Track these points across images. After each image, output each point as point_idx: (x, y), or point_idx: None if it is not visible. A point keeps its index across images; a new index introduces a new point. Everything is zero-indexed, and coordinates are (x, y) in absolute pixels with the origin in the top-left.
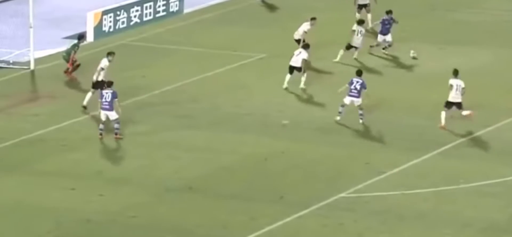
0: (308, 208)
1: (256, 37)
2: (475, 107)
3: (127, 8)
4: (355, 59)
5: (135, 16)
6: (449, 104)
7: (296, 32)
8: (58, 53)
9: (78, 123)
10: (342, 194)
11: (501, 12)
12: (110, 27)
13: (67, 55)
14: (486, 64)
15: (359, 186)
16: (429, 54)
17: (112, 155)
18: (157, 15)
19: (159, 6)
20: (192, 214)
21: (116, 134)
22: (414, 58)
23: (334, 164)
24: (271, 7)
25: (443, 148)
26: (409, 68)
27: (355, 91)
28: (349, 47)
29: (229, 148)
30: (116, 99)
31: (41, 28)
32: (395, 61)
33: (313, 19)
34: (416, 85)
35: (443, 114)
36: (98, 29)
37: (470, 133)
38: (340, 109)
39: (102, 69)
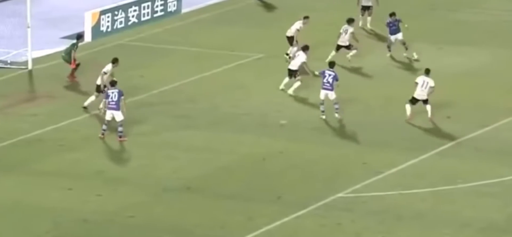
0: (306, 208)
1: (254, 37)
2: (473, 106)
3: (125, 8)
4: (349, 58)
5: (133, 16)
6: (414, 100)
7: (288, 30)
8: (56, 53)
9: (76, 123)
10: (340, 194)
11: (501, 12)
12: (108, 27)
13: (67, 55)
14: (485, 64)
15: (357, 186)
16: (428, 54)
17: (110, 155)
18: (155, 15)
19: (157, 6)
20: (190, 214)
21: (120, 136)
22: (416, 60)
23: (332, 164)
24: (269, 7)
25: (441, 148)
26: (408, 68)
27: (328, 84)
28: (338, 47)
29: (227, 148)
30: (122, 97)
31: (39, 28)
32: (394, 61)
33: (306, 17)
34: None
35: (407, 107)
36: (96, 29)
37: (468, 133)
38: (322, 107)
39: (105, 73)
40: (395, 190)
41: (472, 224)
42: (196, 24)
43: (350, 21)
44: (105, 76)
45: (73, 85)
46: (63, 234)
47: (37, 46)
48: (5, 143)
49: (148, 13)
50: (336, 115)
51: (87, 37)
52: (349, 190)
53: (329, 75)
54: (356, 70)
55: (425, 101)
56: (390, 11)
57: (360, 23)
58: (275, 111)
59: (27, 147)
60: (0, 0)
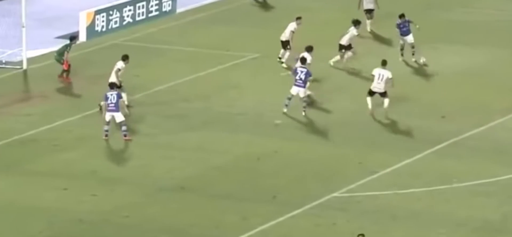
0: (300, 207)
1: (249, 36)
2: (468, 106)
3: (119, 7)
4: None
5: (127, 16)
6: (371, 92)
7: (282, 34)
8: (51, 52)
9: (70, 123)
10: (335, 194)
11: (495, 12)
12: (102, 26)
13: (59, 56)
14: (480, 63)
15: (352, 186)
16: (423, 53)
17: (105, 155)
18: (150, 15)
19: (151, 6)
20: (185, 214)
21: (125, 136)
22: (425, 64)
23: (327, 164)
24: (264, 7)
25: (436, 148)
26: (403, 67)
27: (301, 81)
28: (340, 47)
29: (222, 148)
30: (121, 99)
31: (34, 27)
32: (389, 61)
33: (298, 18)
34: (408, 84)
35: (368, 99)
36: (90, 28)
37: (463, 132)
38: (287, 101)
39: (119, 70)
40: (390, 189)
41: (467, 223)
42: (191, 24)
43: (356, 23)
44: (119, 73)
45: (67, 85)
46: (58, 234)
47: (31, 45)
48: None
49: (143, 13)
50: (303, 113)
51: (82, 37)
52: (344, 189)
53: (301, 71)
54: (353, 71)
55: (383, 94)
56: (387, 12)
57: (368, 28)
58: (270, 111)
59: (21, 147)
60: None
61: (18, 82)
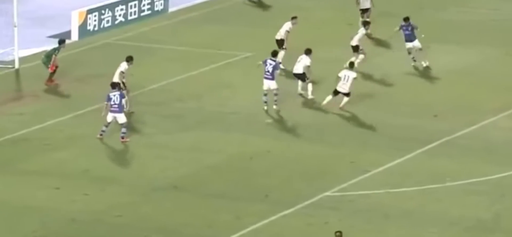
0: (293, 207)
1: (242, 36)
2: (460, 105)
3: (111, 7)
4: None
5: (119, 15)
6: (336, 92)
7: (278, 33)
8: (43, 52)
9: (62, 123)
10: (327, 193)
11: (488, 11)
12: (94, 26)
13: (46, 58)
14: (472, 63)
15: (344, 185)
16: (415, 52)
17: (97, 154)
18: (142, 14)
19: (144, 5)
20: (177, 213)
21: (123, 137)
22: (427, 67)
23: (319, 163)
24: (257, 6)
25: (427, 147)
26: (395, 67)
27: (269, 74)
28: (353, 49)
29: (214, 147)
30: (124, 99)
31: (26, 27)
32: (381, 60)
33: (294, 18)
34: (401, 84)
35: (329, 97)
36: (82, 28)
37: (455, 131)
38: (264, 98)
39: (122, 73)
40: (382, 188)
41: (459, 222)
42: (183, 23)
43: (365, 24)
44: (123, 75)
45: (59, 85)
46: (50, 233)
47: (24, 45)
48: None
49: (135, 12)
50: (274, 106)
51: (74, 36)
52: (336, 189)
53: (270, 64)
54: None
55: (346, 94)
56: (383, 11)
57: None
58: (262, 110)
59: (13, 146)
60: None
61: (10, 81)
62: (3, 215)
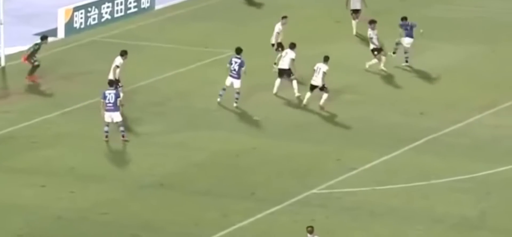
0: (279, 204)
1: (229, 33)
2: (446, 103)
3: (98, 4)
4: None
5: (106, 13)
6: (311, 87)
7: (272, 37)
8: (29, 49)
9: (48, 120)
10: (314, 190)
11: (473, 9)
12: (81, 23)
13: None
14: (458, 60)
15: (331, 182)
16: (400, 50)
17: (83, 152)
18: (128, 12)
19: (130, 3)
20: (164, 211)
21: (123, 136)
22: (422, 33)
23: (306, 160)
24: (249, 4)
25: (414, 144)
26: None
27: (235, 72)
28: (373, 51)
29: (201, 145)
30: (119, 98)
31: (12, 24)
32: (367, 58)
33: (284, 17)
34: (387, 81)
35: (307, 94)
36: (69, 25)
37: (441, 129)
38: (221, 91)
39: (117, 67)
40: (369, 186)
41: (445, 220)
42: (170, 21)
43: (371, 22)
44: (118, 70)
45: (45, 82)
46: (36, 231)
47: (9, 42)
48: None
49: (121, 9)
50: (235, 104)
51: (60, 34)
52: (323, 186)
53: (235, 62)
54: (333, 68)
55: (322, 88)
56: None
57: (354, 31)
58: (249, 107)
59: None
60: None
61: None
62: None
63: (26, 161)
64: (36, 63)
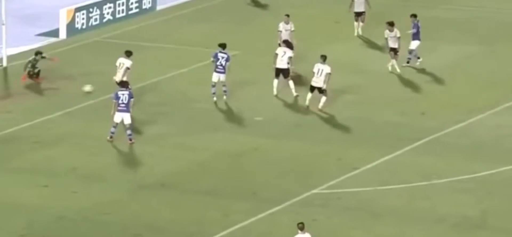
0: (281, 204)
1: (230, 33)
2: (448, 103)
3: (99, 5)
4: (393, 66)
5: (107, 13)
6: (311, 88)
7: (282, 36)
8: (31, 50)
9: (51, 120)
10: (315, 190)
11: (474, 9)
12: (82, 24)
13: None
14: (459, 60)
15: (332, 182)
16: (402, 50)
17: (86, 152)
18: (130, 12)
19: (131, 3)
20: (165, 210)
21: (130, 139)
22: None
23: (307, 160)
24: (254, 4)
25: (415, 144)
26: (380, 64)
27: (221, 67)
28: (391, 50)
29: (202, 145)
30: (132, 99)
31: (14, 25)
32: (368, 59)
33: (286, 15)
34: (388, 81)
35: (308, 95)
36: (70, 26)
37: (442, 129)
38: (212, 89)
39: (128, 69)
40: (370, 186)
41: (447, 219)
42: (171, 21)
43: (390, 25)
44: (129, 72)
45: (47, 82)
46: (38, 231)
47: (12, 43)
48: None
49: (123, 10)
50: (224, 97)
51: (62, 34)
52: (325, 186)
53: (222, 57)
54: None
55: (321, 90)
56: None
57: (355, 32)
58: (250, 108)
59: (1, 145)
60: None
61: None
62: None
63: (29, 161)
64: (36, 70)
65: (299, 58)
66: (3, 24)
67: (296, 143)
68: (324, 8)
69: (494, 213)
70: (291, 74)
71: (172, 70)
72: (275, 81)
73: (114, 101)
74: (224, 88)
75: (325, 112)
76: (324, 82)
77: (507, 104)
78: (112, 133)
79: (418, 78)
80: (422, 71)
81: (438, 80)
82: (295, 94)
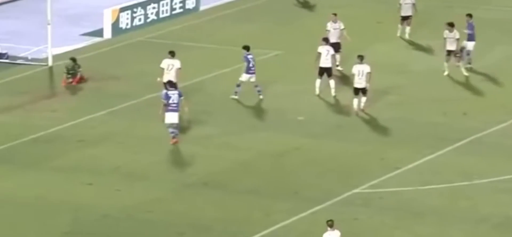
0: (322, 203)
1: (272, 34)
2: (490, 103)
3: (144, 5)
4: (458, 66)
5: (152, 13)
6: (355, 90)
7: (330, 35)
8: (76, 50)
9: (95, 119)
10: (357, 190)
11: None
12: (127, 24)
13: (68, 70)
14: (501, 60)
15: (374, 182)
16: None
17: (129, 150)
18: (174, 12)
19: (175, 3)
20: (209, 209)
21: (174, 138)
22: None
23: (349, 160)
24: (301, 5)
25: (457, 145)
26: (422, 64)
27: (253, 68)
28: (448, 53)
29: (244, 144)
30: (182, 97)
31: (59, 25)
32: (410, 59)
33: (334, 14)
34: (429, 81)
35: (354, 101)
36: (115, 26)
37: (484, 129)
38: (238, 89)
39: (179, 69)
40: (412, 186)
41: (489, 219)
42: (214, 21)
43: (450, 25)
44: (180, 72)
45: (92, 82)
46: (82, 229)
47: (57, 43)
48: (25, 139)
49: (166, 10)
50: (260, 97)
51: (107, 34)
52: (366, 185)
53: (253, 59)
54: (375, 69)
55: (364, 91)
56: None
57: (398, 33)
58: (292, 107)
59: (47, 143)
60: None
61: (44, 78)
62: (37, 211)
63: (73, 159)
64: (72, 73)
65: (341, 59)
66: (48, 24)
67: (337, 143)
68: (366, 9)
69: None
70: (334, 73)
71: (215, 70)
72: (318, 81)
73: (164, 101)
74: (257, 88)
75: (366, 113)
76: (367, 81)
77: None
78: (173, 133)
79: (460, 78)
80: (464, 71)
81: (479, 80)
82: (333, 94)
